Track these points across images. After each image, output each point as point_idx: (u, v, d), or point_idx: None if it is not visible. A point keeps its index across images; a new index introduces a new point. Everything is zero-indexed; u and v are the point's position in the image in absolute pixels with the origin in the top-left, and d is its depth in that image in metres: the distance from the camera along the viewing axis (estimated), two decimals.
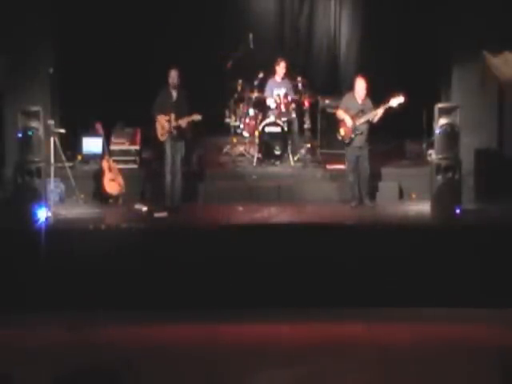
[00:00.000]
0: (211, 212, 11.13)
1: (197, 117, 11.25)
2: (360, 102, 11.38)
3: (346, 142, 11.39)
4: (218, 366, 8.15)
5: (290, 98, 12.64)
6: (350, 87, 11.62)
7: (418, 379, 7.88)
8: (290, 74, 12.84)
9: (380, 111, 11.20)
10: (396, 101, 11.11)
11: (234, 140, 13.02)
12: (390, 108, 11.17)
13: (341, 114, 11.47)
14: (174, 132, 11.27)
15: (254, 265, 9.87)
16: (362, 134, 11.29)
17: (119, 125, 12.55)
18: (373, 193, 11.55)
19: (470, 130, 11.36)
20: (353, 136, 11.29)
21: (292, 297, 9.70)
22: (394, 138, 13.15)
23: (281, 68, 12.70)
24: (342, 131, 11.43)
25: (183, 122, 11.23)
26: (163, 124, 11.30)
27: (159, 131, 11.39)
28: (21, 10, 11.55)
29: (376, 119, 11.28)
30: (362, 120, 11.27)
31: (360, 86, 11.34)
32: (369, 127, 11.35)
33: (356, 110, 11.36)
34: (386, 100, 11.15)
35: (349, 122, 11.33)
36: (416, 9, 12.96)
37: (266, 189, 11.83)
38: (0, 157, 11.67)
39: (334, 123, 11.70)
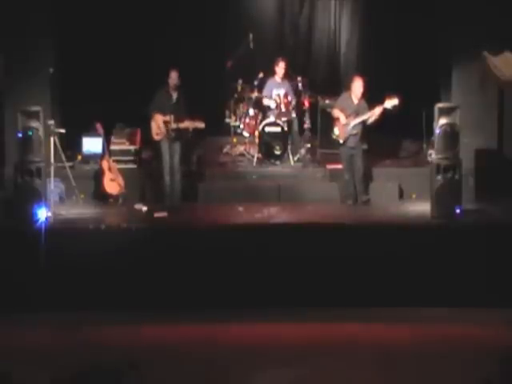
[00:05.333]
0: (211, 212, 11.12)
1: (200, 125, 11.28)
2: (356, 102, 11.38)
3: (341, 141, 11.40)
4: (218, 366, 8.15)
5: (289, 98, 12.64)
6: (347, 87, 11.63)
7: (418, 379, 7.87)
8: (289, 74, 12.82)
9: (375, 112, 11.20)
10: (390, 103, 11.11)
11: (234, 140, 13.01)
12: (385, 109, 11.18)
13: (336, 113, 11.48)
14: (173, 134, 11.28)
15: (254, 265, 9.88)
16: (356, 134, 11.29)
17: (119, 125, 12.55)
18: (367, 191, 11.53)
19: (470, 130, 11.36)
20: (347, 136, 11.30)
21: (292, 297, 9.70)
22: (393, 138, 13.15)
23: (280, 68, 12.65)
24: (336, 131, 11.44)
25: (184, 126, 11.24)
26: (159, 123, 11.31)
27: (154, 130, 11.40)
28: (21, 9, 11.56)
29: (371, 120, 11.28)
30: (357, 120, 11.27)
31: (357, 86, 11.34)
32: (363, 128, 11.35)
33: (351, 110, 11.36)
34: (380, 101, 11.16)
35: (343, 121, 11.33)
36: (416, 9, 12.94)
37: (266, 189, 11.83)
38: (0, 157, 11.67)
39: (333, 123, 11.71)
